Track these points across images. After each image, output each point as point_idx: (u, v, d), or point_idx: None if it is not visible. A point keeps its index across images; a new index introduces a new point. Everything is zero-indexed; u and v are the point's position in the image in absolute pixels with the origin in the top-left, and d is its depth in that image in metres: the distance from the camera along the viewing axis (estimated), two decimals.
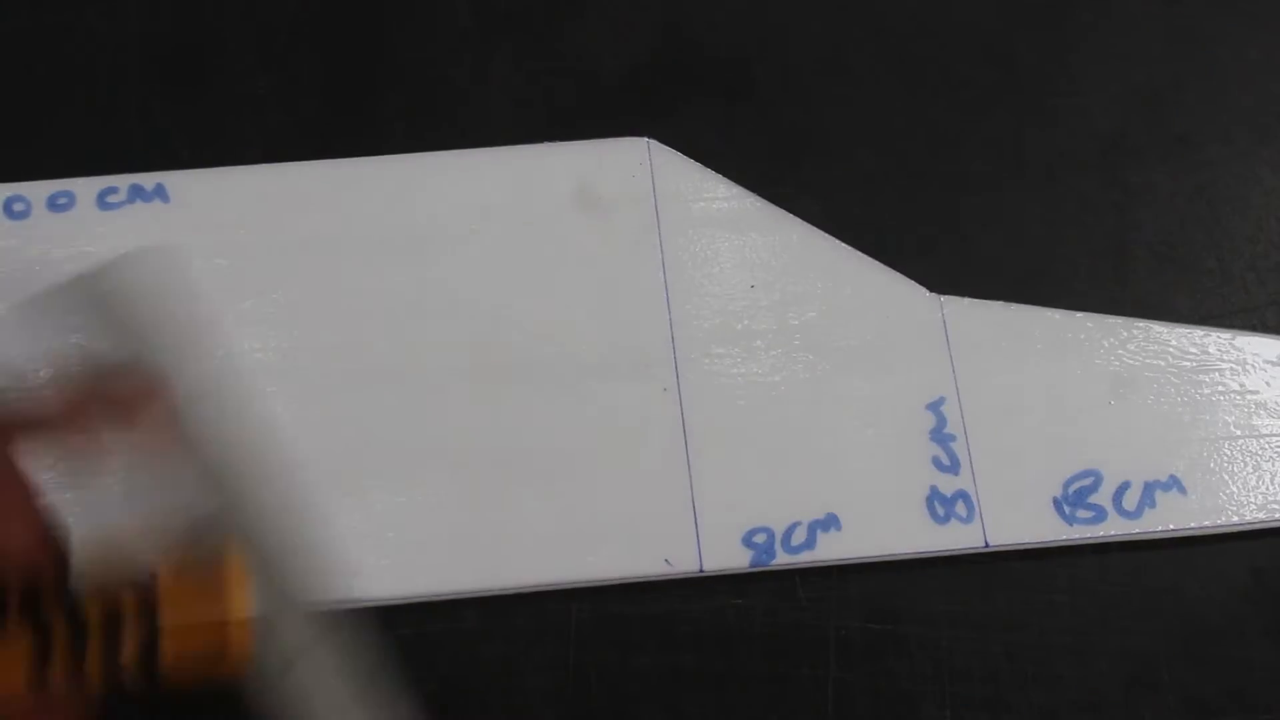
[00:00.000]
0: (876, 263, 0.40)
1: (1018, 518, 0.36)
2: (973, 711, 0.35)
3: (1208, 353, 0.39)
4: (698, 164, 0.41)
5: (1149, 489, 0.37)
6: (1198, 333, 0.39)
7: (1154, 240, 0.41)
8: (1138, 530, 0.36)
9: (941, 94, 0.43)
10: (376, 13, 0.44)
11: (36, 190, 0.39)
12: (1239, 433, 0.38)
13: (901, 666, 0.35)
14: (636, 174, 0.41)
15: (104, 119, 0.41)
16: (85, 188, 0.39)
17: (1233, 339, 0.39)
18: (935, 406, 0.38)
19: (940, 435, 0.37)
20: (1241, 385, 0.39)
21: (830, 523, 0.36)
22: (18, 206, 0.39)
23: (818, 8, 0.44)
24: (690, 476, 0.36)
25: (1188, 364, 0.39)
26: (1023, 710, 0.35)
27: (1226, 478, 0.37)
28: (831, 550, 0.36)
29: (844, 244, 0.40)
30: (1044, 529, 0.36)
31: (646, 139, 0.41)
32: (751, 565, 0.35)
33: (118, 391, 0.30)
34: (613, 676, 0.35)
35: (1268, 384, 0.39)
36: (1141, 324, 0.39)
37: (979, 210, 0.41)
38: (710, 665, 0.35)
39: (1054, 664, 0.35)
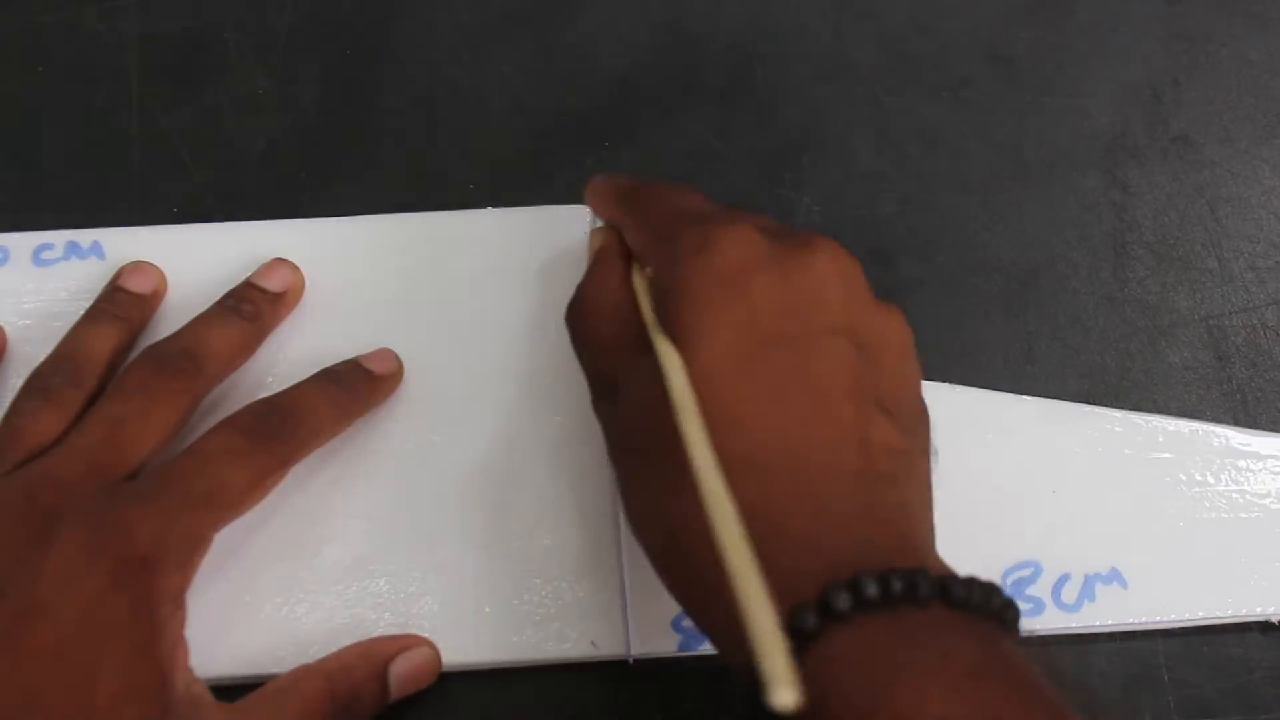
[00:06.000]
0: None
1: None
2: None
3: (1156, 440, 0.38)
4: None
5: (1089, 582, 0.35)
6: (1144, 418, 0.38)
7: (1154, 240, 0.41)
8: (1076, 624, 0.35)
9: (941, 94, 0.43)
10: (376, 13, 0.44)
11: None
12: (1183, 524, 0.36)
13: None
14: (577, 240, 0.39)
15: (104, 120, 0.41)
16: (20, 243, 0.38)
17: (1181, 427, 0.38)
18: None
19: None
20: (1189, 475, 0.37)
21: None
22: None
23: (818, 8, 0.44)
24: (621, 559, 0.35)
25: (1131, 451, 0.37)
26: None
27: (1169, 571, 0.36)
28: None
29: None
30: None
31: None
32: (679, 650, 0.34)
33: None
34: (613, 677, 0.35)
35: (1215, 474, 0.37)
36: (1086, 409, 0.38)
37: (979, 210, 0.41)
38: (709, 665, 0.35)
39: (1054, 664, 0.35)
